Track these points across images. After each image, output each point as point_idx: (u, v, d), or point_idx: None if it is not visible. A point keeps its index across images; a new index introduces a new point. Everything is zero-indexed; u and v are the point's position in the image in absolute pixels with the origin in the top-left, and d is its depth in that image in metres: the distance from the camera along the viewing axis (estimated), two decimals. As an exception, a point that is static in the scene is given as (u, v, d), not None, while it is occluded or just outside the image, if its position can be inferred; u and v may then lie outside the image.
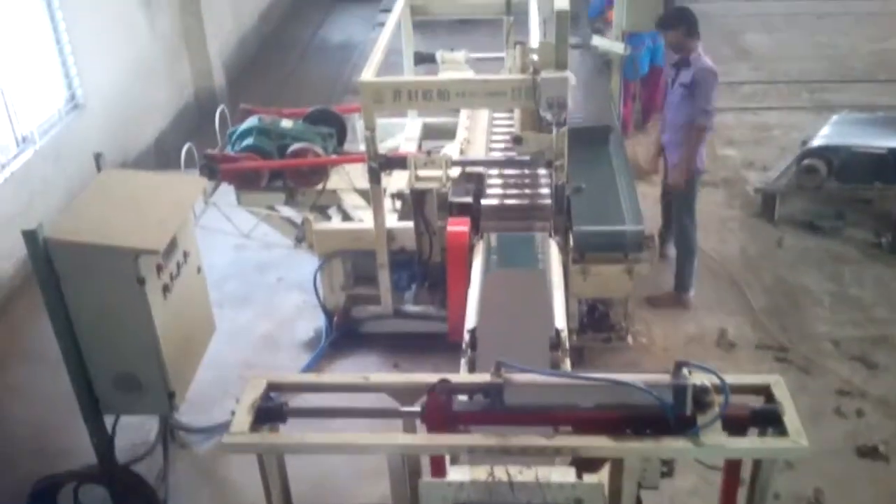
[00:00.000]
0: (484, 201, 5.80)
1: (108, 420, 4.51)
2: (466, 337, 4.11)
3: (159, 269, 4.30)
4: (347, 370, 5.90)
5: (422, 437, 3.20)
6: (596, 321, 5.85)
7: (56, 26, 7.77)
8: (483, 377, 3.18)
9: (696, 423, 2.98)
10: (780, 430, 3.07)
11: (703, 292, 6.68)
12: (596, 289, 5.63)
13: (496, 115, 7.04)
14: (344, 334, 6.23)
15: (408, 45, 7.31)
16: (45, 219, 4.42)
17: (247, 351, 6.26)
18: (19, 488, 4.77)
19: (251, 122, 6.41)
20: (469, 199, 5.68)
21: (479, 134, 6.72)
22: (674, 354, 5.64)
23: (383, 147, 6.25)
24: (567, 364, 3.90)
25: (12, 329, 6.59)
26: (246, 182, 6.33)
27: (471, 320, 4.28)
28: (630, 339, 5.87)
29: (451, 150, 6.38)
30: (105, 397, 4.38)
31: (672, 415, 2.98)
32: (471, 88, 5.35)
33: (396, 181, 6.27)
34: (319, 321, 6.36)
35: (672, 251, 6.72)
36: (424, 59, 7.20)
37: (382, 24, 6.61)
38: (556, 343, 3.95)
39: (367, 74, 5.46)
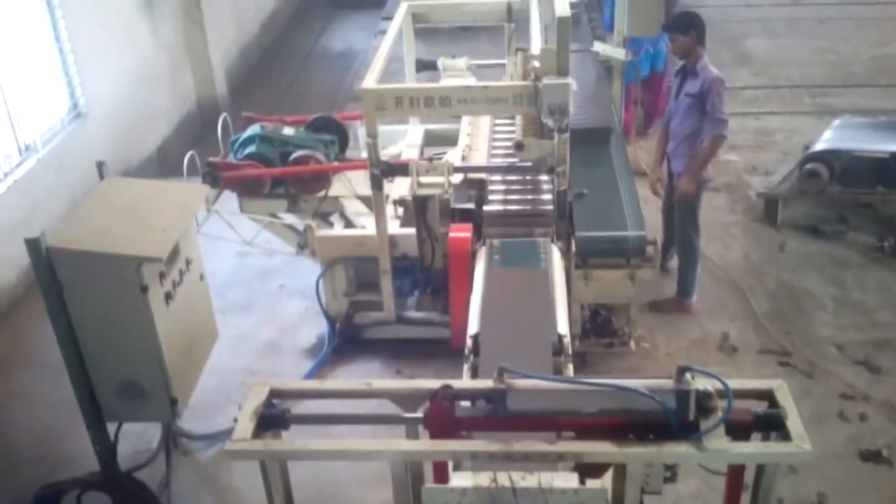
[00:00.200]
0: (486, 207, 5.81)
1: (111, 427, 4.52)
2: (469, 343, 4.11)
3: (162, 276, 4.31)
4: (350, 376, 5.91)
5: (424, 444, 3.20)
6: (598, 326, 5.84)
7: (59, 35, 7.79)
8: (486, 383, 3.18)
9: (699, 428, 2.97)
10: (784, 434, 3.07)
11: (706, 297, 6.68)
12: (598, 294, 5.63)
13: (498, 121, 7.05)
14: (346, 340, 6.23)
15: (409, 53, 7.32)
16: (47, 227, 4.45)
17: (249, 358, 6.26)
18: (22, 495, 4.78)
19: (253, 129, 6.42)
20: (471, 206, 5.68)
21: (481, 140, 6.72)
22: (676, 359, 5.61)
23: (385, 154, 6.26)
24: (570, 369, 3.90)
25: (15, 336, 6.59)
26: (248, 189, 6.34)
27: (473, 326, 4.28)
28: (633, 345, 5.86)
29: (453, 156, 6.38)
30: (108, 404, 4.39)
31: (675, 420, 2.97)
32: (472, 95, 5.36)
33: (398, 188, 6.27)
34: (322, 328, 6.36)
35: (674, 264, 6.71)
36: (426, 67, 7.22)
37: (384, 32, 6.63)
38: (558, 348, 3.95)
39: (369, 82, 5.47)
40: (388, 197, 6.04)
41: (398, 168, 5.76)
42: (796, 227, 7.65)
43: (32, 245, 3.98)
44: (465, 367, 3.98)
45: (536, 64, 5.30)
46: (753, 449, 3.09)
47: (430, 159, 6.20)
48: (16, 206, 6.97)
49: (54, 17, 7.71)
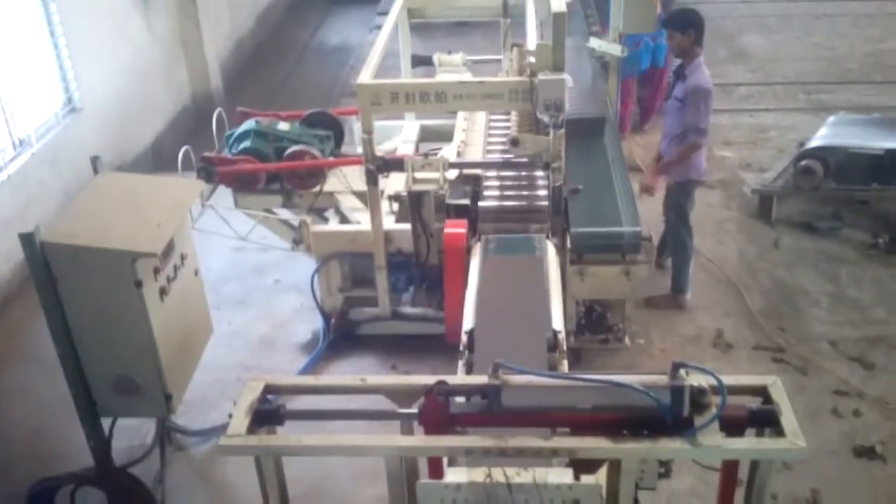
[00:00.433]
0: (481, 203, 5.81)
1: (106, 423, 4.51)
2: (464, 338, 4.11)
3: (156, 271, 4.31)
4: (345, 372, 5.91)
5: (419, 439, 3.20)
6: (594, 322, 5.84)
7: (53, 30, 7.76)
8: (480, 379, 3.18)
9: (693, 424, 2.98)
10: (778, 430, 3.07)
11: (701, 293, 6.69)
12: (593, 290, 5.63)
13: (493, 117, 7.05)
14: (341, 336, 6.23)
15: (405, 48, 7.32)
16: (41, 222, 4.43)
17: (244, 353, 6.26)
18: (16, 491, 4.78)
19: (248, 124, 6.41)
20: (466, 202, 5.68)
21: (477, 136, 6.72)
22: (671, 355, 5.64)
23: (381, 149, 6.25)
24: (565, 365, 3.89)
25: (9, 332, 6.58)
26: (243, 185, 6.33)
27: (468, 322, 4.28)
28: (627, 341, 5.87)
29: (448, 152, 6.39)
30: (102, 400, 4.38)
31: (669, 416, 2.97)
32: (468, 91, 5.35)
33: (394, 183, 6.27)
34: (317, 323, 6.35)
35: (670, 261, 6.72)
36: (422, 62, 7.21)
37: (379, 27, 6.61)
38: (553, 344, 3.95)
39: (365, 77, 5.46)
40: (383, 192, 6.04)
41: (393, 164, 5.76)
42: (791, 223, 7.67)
43: (27, 240, 3.97)
44: (460, 362, 3.98)
45: (532, 60, 5.30)
46: (747, 445, 3.09)
47: (426, 155, 6.21)
48: (10, 201, 6.95)
49: (49, 12, 7.69)
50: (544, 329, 4.08)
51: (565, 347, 4.02)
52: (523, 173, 6.13)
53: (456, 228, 5.39)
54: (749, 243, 7.44)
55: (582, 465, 3.03)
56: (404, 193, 5.87)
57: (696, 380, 3.01)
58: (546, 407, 3.11)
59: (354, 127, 6.86)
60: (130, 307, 4.16)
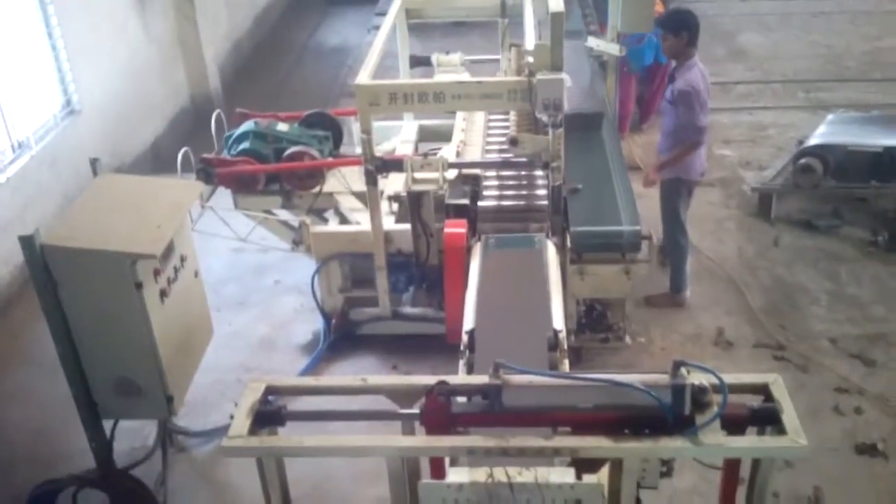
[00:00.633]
0: (481, 203, 5.81)
1: (107, 424, 4.51)
2: (465, 338, 4.11)
3: (157, 273, 4.31)
4: (346, 372, 5.91)
5: (421, 440, 3.20)
6: (594, 321, 5.84)
7: (51, 32, 7.76)
8: (481, 378, 3.18)
9: (694, 423, 2.98)
10: (779, 428, 3.07)
11: (701, 292, 6.70)
12: (594, 289, 5.64)
13: (492, 116, 7.05)
14: (342, 337, 6.23)
15: (403, 48, 7.31)
16: (41, 224, 4.42)
17: (245, 354, 6.26)
18: (18, 493, 4.78)
19: (247, 126, 6.41)
20: (466, 201, 5.67)
21: (476, 136, 6.72)
22: (672, 354, 5.64)
23: (380, 150, 6.25)
24: (566, 364, 3.89)
25: (10, 335, 6.58)
26: (242, 186, 6.33)
27: (469, 322, 4.28)
28: (628, 339, 5.88)
29: (447, 152, 6.39)
30: (103, 402, 4.38)
31: (670, 415, 2.97)
32: (466, 91, 5.35)
33: (393, 184, 6.27)
34: (317, 324, 6.35)
35: None
36: (420, 62, 7.21)
37: (377, 28, 6.61)
38: (554, 344, 3.95)
39: (363, 78, 5.46)
40: (382, 193, 6.04)
41: (392, 164, 5.75)
42: (790, 221, 7.67)
43: (27, 242, 3.97)
44: (461, 362, 3.98)
45: (530, 59, 5.30)
46: (749, 443, 3.09)
47: (425, 155, 6.20)
48: (9, 204, 6.95)
49: (46, 14, 7.69)
50: (545, 328, 4.08)
51: (566, 347, 4.02)
52: (522, 173, 6.13)
53: (456, 228, 5.39)
54: (749, 241, 7.44)
55: (584, 465, 3.03)
56: (404, 194, 5.87)
57: (697, 378, 3.01)
58: (547, 406, 3.11)
59: (353, 127, 6.86)
60: (131, 309, 4.16)
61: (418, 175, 5.63)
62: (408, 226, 5.82)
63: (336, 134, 6.79)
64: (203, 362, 4.97)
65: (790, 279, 6.88)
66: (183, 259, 4.67)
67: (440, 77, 6.63)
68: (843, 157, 7.43)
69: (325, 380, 4.49)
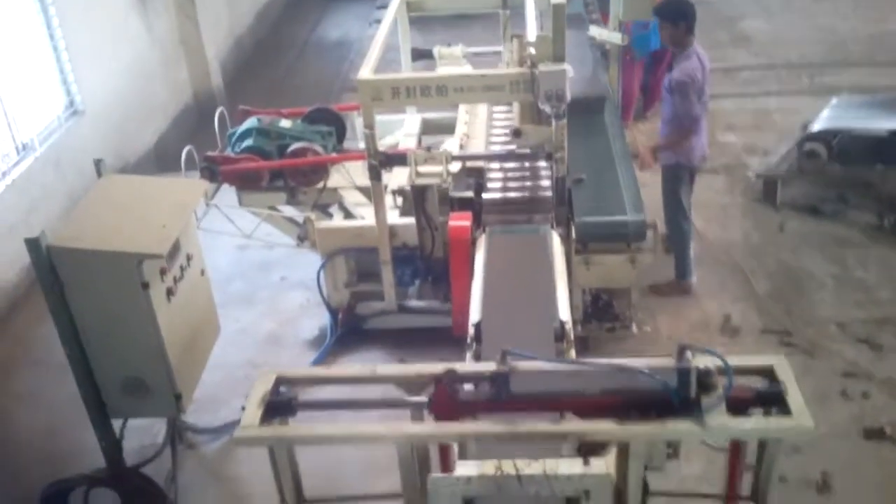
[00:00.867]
0: (485, 195, 5.80)
1: (116, 423, 4.54)
2: (471, 330, 4.12)
3: (163, 272, 4.32)
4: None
5: (430, 426, 3.21)
6: (600, 311, 5.85)
7: (53, 33, 7.78)
8: (489, 366, 3.19)
9: (700, 406, 2.99)
10: (784, 410, 3.08)
11: (707, 279, 6.69)
12: (599, 279, 5.63)
13: (495, 108, 7.04)
14: (349, 331, 6.24)
15: (405, 42, 7.30)
16: (46, 226, 4.45)
17: (252, 350, 6.28)
18: (29, 494, 4.80)
19: (250, 122, 6.41)
20: (470, 194, 5.68)
21: (479, 128, 6.71)
22: (678, 341, 5.63)
23: (383, 144, 6.25)
24: (572, 355, 3.90)
25: (17, 336, 6.61)
26: (247, 183, 6.33)
27: (475, 314, 4.29)
28: (634, 328, 5.87)
29: (450, 145, 6.37)
30: (112, 401, 4.40)
31: (676, 398, 2.99)
32: (469, 83, 5.35)
33: (397, 178, 6.26)
34: (324, 319, 6.37)
35: None
36: (422, 55, 7.20)
37: (379, 21, 6.61)
38: (560, 334, 3.96)
39: (365, 72, 5.46)
40: (386, 187, 6.04)
41: (396, 158, 5.75)
42: (796, 206, 7.65)
43: (33, 244, 3.98)
44: (468, 354, 3.99)
45: (532, 51, 5.29)
46: (755, 424, 3.10)
47: (428, 148, 6.19)
48: (14, 206, 6.98)
49: (48, 15, 7.70)
50: (551, 319, 4.09)
51: (572, 337, 4.03)
52: (526, 164, 6.13)
53: (460, 221, 5.40)
54: (754, 228, 7.43)
55: (591, 450, 3.04)
56: (408, 187, 5.87)
57: (702, 362, 3.03)
58: (554, 392, 3.13)
59: (356, 122, 6.86)
60: (138, 309, 4.17)
61: (422, 169, 5.63)
62: (412, 219, 5.83)
63: (339, 129, 6.78)
64: (211, 359, 4.99)
65: (796, 265, 6.87)
66: (189, 257, 4.68)
67: (442, 70, 6.61)
68: (847, 141, 7.39)
69: (334, 370, 4.52)
